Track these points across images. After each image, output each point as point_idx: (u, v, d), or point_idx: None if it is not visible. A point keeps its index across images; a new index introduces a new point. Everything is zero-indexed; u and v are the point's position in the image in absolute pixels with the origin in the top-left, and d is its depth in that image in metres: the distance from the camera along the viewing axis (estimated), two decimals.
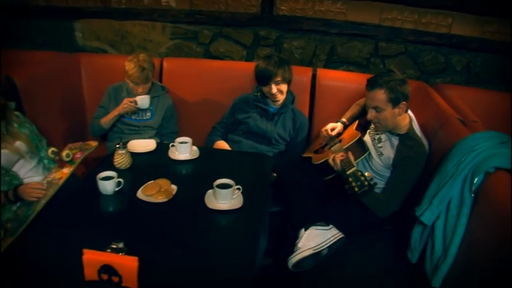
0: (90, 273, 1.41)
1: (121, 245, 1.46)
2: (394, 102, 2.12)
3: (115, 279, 1.41)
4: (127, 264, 1.39)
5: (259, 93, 2.74)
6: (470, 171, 1.68)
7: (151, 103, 2.81)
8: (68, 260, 1.50)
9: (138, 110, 2.82)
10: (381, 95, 2.13)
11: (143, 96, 2.71)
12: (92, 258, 1.41)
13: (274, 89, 2.59)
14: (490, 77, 3.09)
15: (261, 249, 2.22)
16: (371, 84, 2.16)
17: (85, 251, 1.41)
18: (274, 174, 2.47)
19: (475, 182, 1.65)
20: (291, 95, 2.76)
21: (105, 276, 1.41)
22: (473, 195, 1.66)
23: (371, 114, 2.20)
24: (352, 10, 3.15)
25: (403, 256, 2.05)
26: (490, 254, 1.48)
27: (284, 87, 2.64)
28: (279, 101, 2.67)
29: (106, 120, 2.79)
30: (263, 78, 2.60)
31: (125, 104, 2.70)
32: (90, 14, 3.69)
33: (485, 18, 2.94)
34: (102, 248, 1.46)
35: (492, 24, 2.95)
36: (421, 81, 2.99)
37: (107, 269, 1.40)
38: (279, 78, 2.57)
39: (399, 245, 2.16)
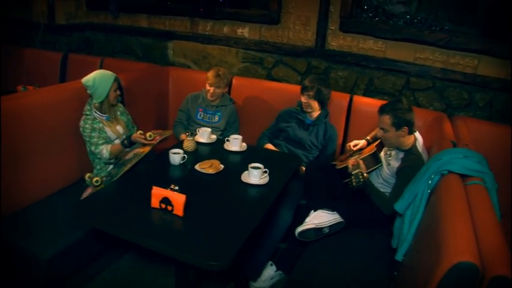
0: (155, 202, 2.06)
1: (177, 188, 2.09)
2: (397, 126, 2.52)
3: (169, 207, 2.03)
4: (178, 198, 2.01)
5: (299, 108, 3.23)
6: (431, 173, 2.09)
7: (219, 110, 3.45)
8: (144, 192, 2.14)
9: (209, 114, 3.46)
10: (386, 119, 2.55)
11: (205, 129, 3.10)
12: (157, 192, 2.06)
13: (303, 99, 3.10)
14: (510, 115, 3.20)
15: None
16: (380, 110, 2.61)
17: (153, 187, 2.07)
18: (304, 168, 3.01)
19: (430, 181, 2.05)
20: (325, 111, 3.21)
21: (163, 205, 2.04)
22: (429, 191, 2.07)
23: (379, 133, 2.67)
24: (390, 49, 3.50)
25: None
26: (433, 233, 1.72)
27: (313, 103, 3.10)
28: (308, 112, 3.16)
29: (179, 136, 3.39)
30: (301, 88, 3.13)
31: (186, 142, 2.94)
32: (180, 36, 4.42)
33: (509, 62, 3.10)
34: (164, 188, 2.09)
35: None
36: (441, 113, 3.27)
37: (165, 200, 2.03)
38: (310, 93, 3.06)
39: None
